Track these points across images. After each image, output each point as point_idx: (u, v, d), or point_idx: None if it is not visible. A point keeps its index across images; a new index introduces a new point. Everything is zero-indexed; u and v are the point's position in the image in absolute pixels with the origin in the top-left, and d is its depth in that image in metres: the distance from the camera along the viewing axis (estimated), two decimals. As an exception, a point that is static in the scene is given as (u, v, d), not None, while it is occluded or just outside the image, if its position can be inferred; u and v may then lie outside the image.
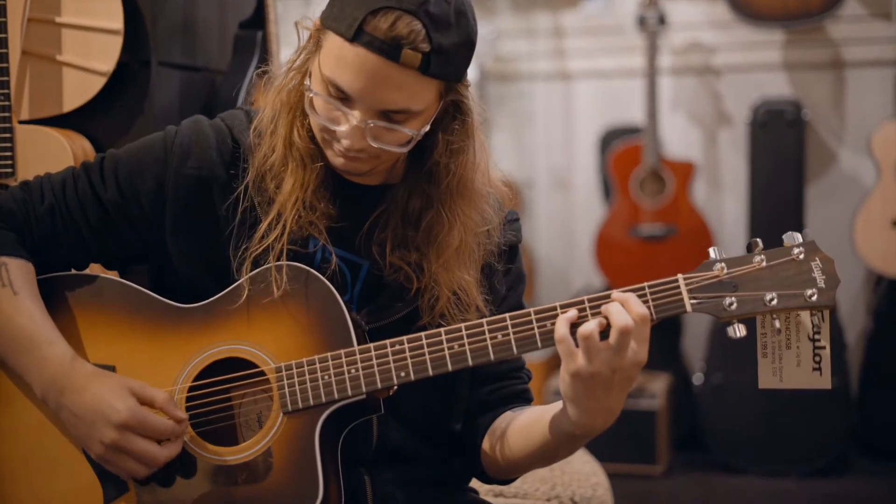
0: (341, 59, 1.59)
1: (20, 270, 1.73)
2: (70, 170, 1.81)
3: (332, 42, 1.61)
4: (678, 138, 4.92)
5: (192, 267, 1.75)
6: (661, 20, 4.62)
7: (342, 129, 1.64)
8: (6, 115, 2.25)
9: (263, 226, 1.71)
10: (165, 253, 1.77)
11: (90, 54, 2.33)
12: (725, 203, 4.93)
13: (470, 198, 1.74)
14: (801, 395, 4.27)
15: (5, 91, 2.24)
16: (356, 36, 1.57)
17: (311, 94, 1.66)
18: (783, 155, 4.47)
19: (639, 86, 4.72)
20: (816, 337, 1.58)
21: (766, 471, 4.39)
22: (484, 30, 4.88)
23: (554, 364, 4.67)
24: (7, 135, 2.25)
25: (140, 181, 1.76)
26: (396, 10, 1.56)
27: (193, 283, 1.75)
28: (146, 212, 1.76)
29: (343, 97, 1.62)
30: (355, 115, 1.62)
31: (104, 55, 2.32)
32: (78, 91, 2.33)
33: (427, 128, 1.67)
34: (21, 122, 2.31)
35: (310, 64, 1.67)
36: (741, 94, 4.81)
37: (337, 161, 1.69)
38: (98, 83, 2.33)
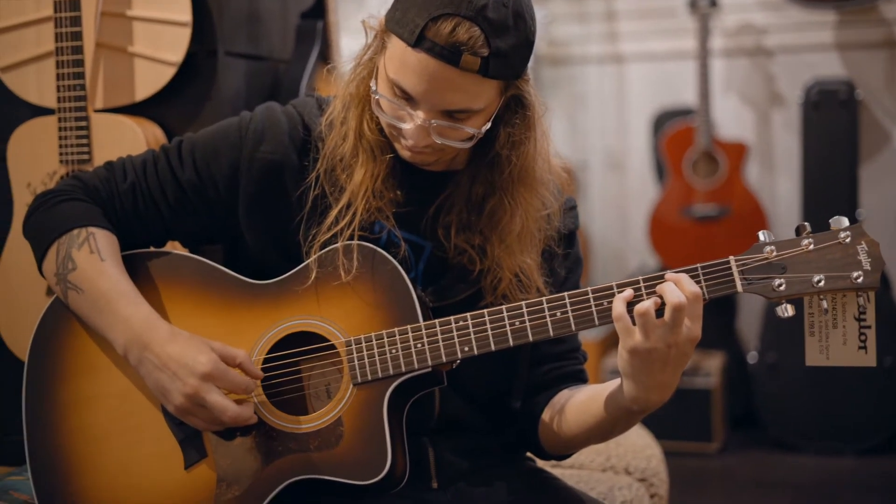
0: (404, 63, 1.65)
1: (106, 240, 1.81)
2: (150, 152, 1.89)
3: (396, 45, 1.67)
4: (731, 119, 4.93)
5: (265, 247, 1.82)
6: (713, 2, 4.62)
7: (407, 127, 1.70)
8: (82, 104, 2.32)
9: (333, 213, 1.77)
10: (239, 233, 1.84)
11: (160, 45, 2.38)
12: (778, 184, 4.93)
13: (531, 185, 1.79)
14: (855, 373, 4.26)
15: (81, 82, 2.31)
16: (418, 42, 1.63)
17: (376, 97, 1.72)
18: (836, 135, 4.44)
19: (691, 68, 4.73)
20: (862, 317, 1.61)
21: (822, 448, 4.40)
22: (538, 14, 4.91)
23: (609, 343, 4.72)
24: (83, 123, 2.32)
25: (216, 164, 1.83)
26: (456, 17, 1.61)
27: (266, 261, 1.82)
28: (221, 193, 1.83)
29: (407, 97, 1.68)
30: (419, 115, 1.68)
31: (173, 46, 2.38)
32: (149, 80, 2.39)
33: (489, 125, 1.73)
34: (96, 111, 2.38)
35: (376, 60, 1.73)
36: (794, 74, 4.80)
37: (405, 153, 1.76)
38: (168, 73, 2.39)
